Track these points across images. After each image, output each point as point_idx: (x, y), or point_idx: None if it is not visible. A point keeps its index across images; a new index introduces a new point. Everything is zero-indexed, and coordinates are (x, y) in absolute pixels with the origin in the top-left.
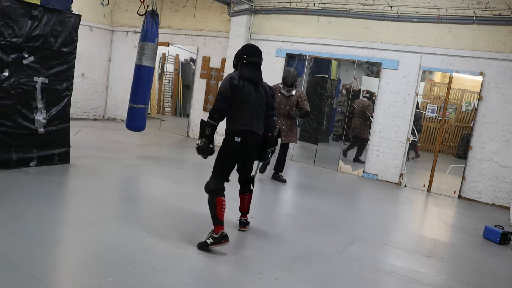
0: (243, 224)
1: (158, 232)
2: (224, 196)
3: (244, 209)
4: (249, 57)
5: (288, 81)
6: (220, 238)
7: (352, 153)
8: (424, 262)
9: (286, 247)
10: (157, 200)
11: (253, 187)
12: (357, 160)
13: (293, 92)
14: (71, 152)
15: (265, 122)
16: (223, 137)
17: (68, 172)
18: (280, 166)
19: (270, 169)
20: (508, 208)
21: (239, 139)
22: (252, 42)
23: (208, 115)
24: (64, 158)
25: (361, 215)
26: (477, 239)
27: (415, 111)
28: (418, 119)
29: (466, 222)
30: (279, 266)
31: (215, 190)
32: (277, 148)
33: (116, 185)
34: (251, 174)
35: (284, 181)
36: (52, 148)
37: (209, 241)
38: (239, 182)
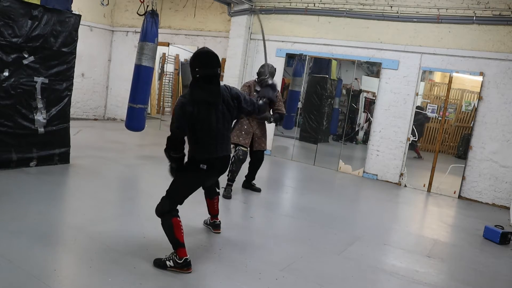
0: (218, 226)
1: (158, 232)
2: (179, 217)
3: (215, 211)
4: (202, 70)
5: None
6: (183, 265)
7: None
8: (424, 262)
9: (286, 247)
10: (157, 200)
11: (219, 189)
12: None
13: None
14: (71, 152)
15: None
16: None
17: (68, 172)
18: (252, 174)
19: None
20: (508, 208)
21: (205, 167)
22: (252, 42)
23: (165, 146)
24: (64, 158)
25: (361, 215)
26: (477, 239)
27: (421, 114)
28: (421, 124)
29: (466, 222)
30: (279, 266)
31: (169, 212)
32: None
33: (116, 185)
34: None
35: (258, 190)
36: (52, 148)
37: (169, 263)
38: (202, 187)
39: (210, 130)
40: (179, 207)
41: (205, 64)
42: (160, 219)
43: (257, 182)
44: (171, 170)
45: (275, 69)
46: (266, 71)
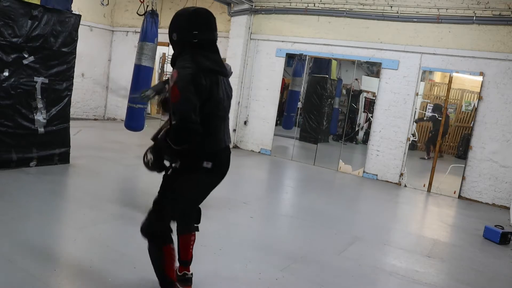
0: (189, 280)
1: None
2: (173, 243)
3: (188, 256)
4: (202, 33)
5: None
6: None
7: None
8: (424, 262)
9: (286, 247)
10: None
11: (199, 220)
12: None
13: None
14: (71, 152)
15: None
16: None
17: (68, 172)
18: None
19: None
20: (508, 208)
21: (209, 165)
22: (252, 42)
23: (170, 138)
24: (64, 158)
25: (361, 215)
26: (477, 239)
27: (435, 115)
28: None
29: (466, 222)
30: (279, 266)
31: (160, 235)
32: None
33: (116, 185)
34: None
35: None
36: (52, 148)
37: None
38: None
39: (219, 110)
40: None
41: (206, 25)
42: (147, 241)
43: (257, 182)
44: (153, 162)
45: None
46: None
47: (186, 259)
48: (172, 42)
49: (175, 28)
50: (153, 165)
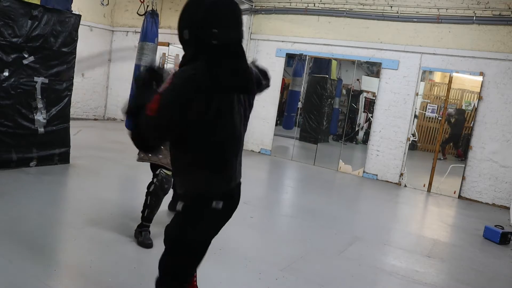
0: None
1: (158, 232)
2: (194, 277)
3: None
4: (224, 32)
5: None
6: None
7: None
8: (424, 262)
9: (286, 247)
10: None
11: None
12: None
13: None
14: (71, 152)
15: None
16: (180, 198)
17: (68, 172)
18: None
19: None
20: (508, 208)
21: (220, 205)
22: (252, 42)
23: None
24: (64, 158)
25: (361, 215)
26: (477, 239)
27: (461, 115)
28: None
29: (466, 222)
30: (279, 266)
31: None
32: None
33: (116, 185)
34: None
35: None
36: (52, 148)
37: None
38: None
39: (233, 139)
40: None
41: (230, 20)
42: None
43: (257, 182)
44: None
45: None
46: None
47: None
48: (183, 42)
49: (187, 24)
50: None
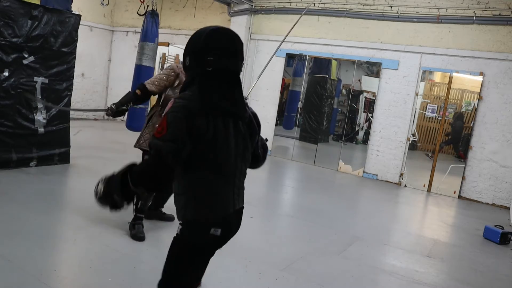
0: None
1: (159, 232)
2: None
3: None
4: (220, 61)
5: None
6: None
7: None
8: (424, 262)
9: (286, 247)
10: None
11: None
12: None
13: None
14: (71, 152)
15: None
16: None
17: (68, 172)
18: (163, 199)
19: None
20: (508, 208)
21: (218, 232)
22: (252, 42)
23: (133, 172)
24: (64, 158)
25: (361, 215)
26: (477, 239)
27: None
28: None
29: (466, 222)
30: (279, 266)
31: None
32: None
33: None
34: None
35: (171, 219)
36: (52, 148)
37: None
38: None
39: (228, 165)
40: None
41: (226, 52)
42: None
43: (257, 182)
44: (101, 195)
45: None
46: None
47: None
48: (185, 68)
49: (188, 51)
50: (101, 199)
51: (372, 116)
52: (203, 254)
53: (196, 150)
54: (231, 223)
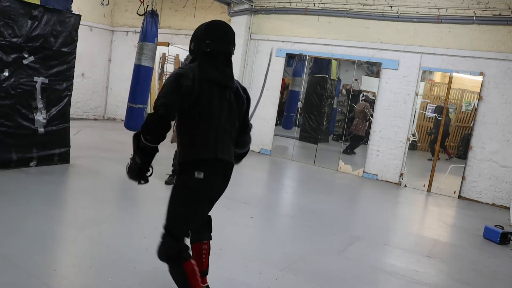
0: None
1: (158, 232)
2: (192, 258)
3: (202, 267)
4: (215, 44)
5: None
6: None
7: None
8: (424, 262)
9: (286, 247)
10: (157, 199)
11: (211, 230)
12: (347, 152)
13: None
14: (71, 152)
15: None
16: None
17: (68, 172)
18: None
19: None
20: (508, 208)
21: (201, 175)
22: (252, 42)
23: (141, 127)
24: (64, 158)
25: (361, 215)
26: (477, 239)
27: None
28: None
29: (466, 222)
30: (279, 266)
31: (177, 255)
32: None
33: (115, 185)
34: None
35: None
36: (52, 148)
37: None
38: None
39: (210, 119)
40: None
41: (221, 37)
42: (167, 265)
43: (257, 182)
44: (132, 167)
45: None
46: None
47: (201, 269)
48: (190, 51)
49: (192, 38)
50: (129, 168)
51: (372, 116)
52: (196, 200)
53: (185, 105)
54: (214, 171)
